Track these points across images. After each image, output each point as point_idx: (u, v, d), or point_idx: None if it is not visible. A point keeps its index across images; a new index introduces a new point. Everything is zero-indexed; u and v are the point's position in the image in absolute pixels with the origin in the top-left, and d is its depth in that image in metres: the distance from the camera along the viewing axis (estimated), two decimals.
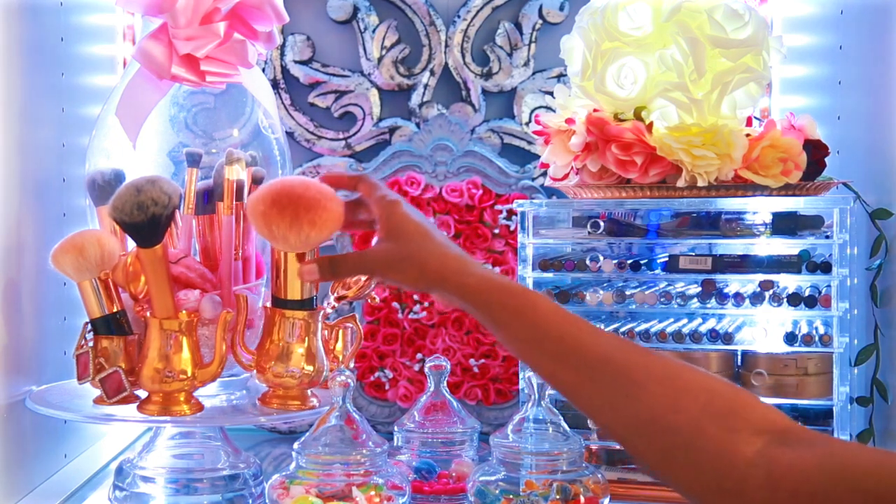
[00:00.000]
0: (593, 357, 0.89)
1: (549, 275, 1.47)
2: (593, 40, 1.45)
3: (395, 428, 1.45)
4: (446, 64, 1.80)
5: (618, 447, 1.45)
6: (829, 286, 1.37)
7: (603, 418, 0.89)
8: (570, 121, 1.45)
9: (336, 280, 1.27)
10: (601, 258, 1.44)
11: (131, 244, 1.27)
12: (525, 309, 0.95)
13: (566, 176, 1.49)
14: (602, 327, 1.43)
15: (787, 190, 1.41)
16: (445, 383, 1.45)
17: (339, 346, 1.36)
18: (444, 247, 1.05)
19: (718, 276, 1.41)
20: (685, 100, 1.40)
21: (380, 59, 1.81)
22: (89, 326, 1.28)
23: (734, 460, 0.78)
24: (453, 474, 1.40)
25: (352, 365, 1.38)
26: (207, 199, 1.35)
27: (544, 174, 1.62)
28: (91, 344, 1.27)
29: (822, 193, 1.43)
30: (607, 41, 1.44)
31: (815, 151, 1.44)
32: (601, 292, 1.44)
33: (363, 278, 1.38)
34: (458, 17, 1.79)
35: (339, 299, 1.37)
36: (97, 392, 1.27)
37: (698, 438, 0.80)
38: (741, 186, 1.40)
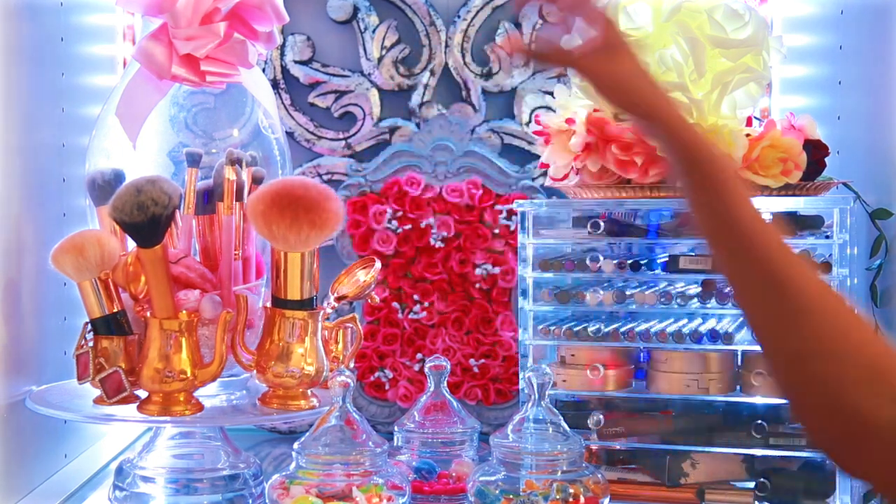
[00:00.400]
0: (776, 269, 0.85)
1: (549, 275, 1.47)
2: None
3: (395, 428, 1.45)
4: (446, 64, 1.80)
5: (618, 447, 1.45)
6: None
7: (760, 331, 0.86)
8: (570, 121, 1.45)
9: (539, 61, 1.14)
10: (601, 258, 1.44)
11: (131, 244, 1.27)
12: (729, 189, 0.89)
13: (566, 176, 1.49)
14: (602, 327, 1.44)
15: (787, 190, 1.41)
16: (445, 383, 1.45)
17: (339, 346, 1.36)
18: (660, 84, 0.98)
19: (718, 276, 1.40)
20: (685, 100, 1.40)
21: (380, 59, 1.81)
22: (89, 326, 1.28)
23: (868, 420, 0.78)
24: (453, 474, 1.40)
25: (352, 365, 1.38)
26: (207, 199, 1.35)
27: (544, 174, 1.62)
28: (91, 344, 1.27)
29: (822, 193, 1.43)
30: None
31: (815, 151, 1.44)
32: (601, 292, 1.44)
33: (362, 279, 1.38)
34: (458, 17, 1.79)
35: (339, 299, 1.38)
36: (97, 392, 1.27)
37: (844, 390, 0.80)
38: None
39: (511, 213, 1.74)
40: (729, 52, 1.40)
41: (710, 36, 1.39)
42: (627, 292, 1.43)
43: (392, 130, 1.81)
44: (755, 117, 1.52)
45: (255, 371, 1.29)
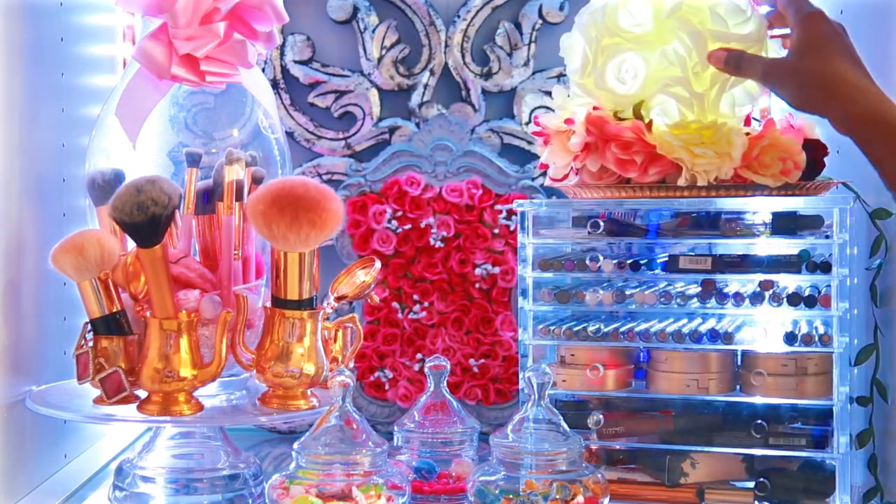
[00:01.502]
0: None
1: (549, 275, 1.47)
2: (593, 36, 1.45)
3: (395, 428, 1.45)
4: (446, 64, 1.80)
5: (618, 447, 1.45)
6: (828, 286, 1.37)
7: None
8: (569, 121, 1.45)
9: (736, 75, 1.31)
10: (601, 258, 1.44)
11: (131, 244, 1.27)
12: None
13: (566, 176, 1.49)
14: (601, 327, 1.44)
15: (787, 189, 1.41)
16: (445, 383, 1.45)
17: (339, 346, 1.36)
18: (841, 70, 1.10)
19: (718, 276, 1.40)
20: (686, 94, 1.39)
21: (380, 59, 1.81)
22: (89, 326, 1.28)
23: None
24: (453, 474, 1.40)
25: (352, 365, 1.38)
26: (207, 199, 1.35)
27: (544, 174, 1.62)
28: (91, 344, 1.27)
29: (822, 193, 1.43)
30: (607, 37, 1.44)
31: (814, 151, 1.44)
32: (601, 292, 1.44)
33: (362, 279, 1.38)
34: (458, 17, 1.80)
35: (339, 299, 1.38)
36: (97, 392, 1.27)
37: None
38: (741, 186, 1.40)
39: (511, 212, 1.74)
40: (730, 46, 1.40)
41: (712, 31, 1.39)
42: (627, 292, 1.43)
43: (392, 130, 1.81)
44: (754, 118, 1.51)
45: (255, 371, 1.29)
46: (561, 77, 1.76)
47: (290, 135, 1.81)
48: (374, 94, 1.82)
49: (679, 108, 1.41)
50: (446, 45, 1.80)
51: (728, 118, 1.41)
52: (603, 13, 1.43)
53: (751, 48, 1.39)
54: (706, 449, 1.41)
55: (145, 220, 1.21)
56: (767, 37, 1.40)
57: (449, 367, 1.45)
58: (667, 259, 1.44)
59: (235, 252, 1.33)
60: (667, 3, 1.41)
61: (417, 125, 1.80)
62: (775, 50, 1.45)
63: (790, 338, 1.37)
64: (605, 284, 1.47)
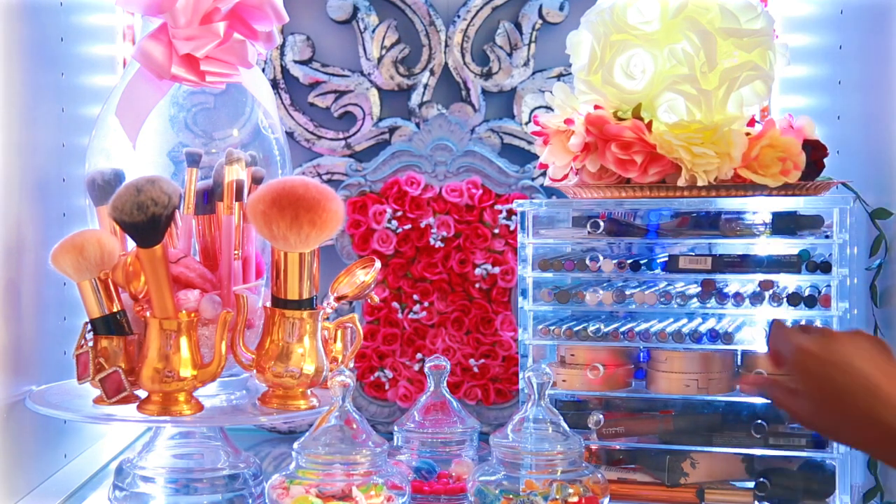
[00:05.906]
0: None
1: (549, 275, 1.47)
2: (602, 33, 1.45)
3: (395, 428, 1.45)
4: (446, 64, 1.80)
5: (618, 447, 1.45)
6: (828, 286, 1.37)
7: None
8: (569, 121, 1.45)
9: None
10: (601, 258, 1.44)
11: (131, 244, 1.27)
12: None
13: (565, 177, 1.49)
14: (601, 327, 1.44)
15: (787, 190, 1.41)
16: (445, 383, 1.45)
17: (339, 346, 1.36)
18: (851, 422, 0.99)
19: (718, 276, 1.41)
20: (694, 92, 1.39)
21: (380, 59, 1.81)
22: (89, 326, 1.28)
23: None
24: (453, 474, 1.40)
25: (352, 365, 1.38)
26: (207, 199, 1.35)
27: (544, 174, 1.62)
28: (91, 344, 1.27)
29: (822, 193, 1.43)
30: (616, 33, 1.44)
31: (814, 152, 1.44)
32: (601, 292, 1.44)
33: (362, 279, 1.38)
34: (458, 16, 1.79)
35: (339, 299, 1.38)
36: (97, 392, 1.28)
37: None
38: (741, 186, 1.40)
39: (511, 212, 1.74)
40: (742, 41, 1.39)
41: (723, 27, 1.38)
42: (627, 292, 1.43)
43: (392, 130, 1.81)
44: (756, 120, 1.52)
45: (254, 371, 1.29)
46: (561, 77, 1.76)
47: (290, 135, 1.81)
48: (374, 94, 1.82)
49: (687, 106, 1.41)
50: (446, 45, 1.80)
51: (736, 118, 1.41)
52: (611, 10, 1.44)
53: (761, 45, 1.39)
54: (706, 449, 1.41)
55: (145, 220, 1.22)
56: (774, 35, 1.40)
57: (449, 367, 1.45)
58: (667, 259, 1.44)
59: (235, 252, 1.33)
60: (673, 2, 1.41)
61: (417, 125, 1.80)
62: (781, 53, 1.45)
63: None
64: (605, 284, 1.47)
